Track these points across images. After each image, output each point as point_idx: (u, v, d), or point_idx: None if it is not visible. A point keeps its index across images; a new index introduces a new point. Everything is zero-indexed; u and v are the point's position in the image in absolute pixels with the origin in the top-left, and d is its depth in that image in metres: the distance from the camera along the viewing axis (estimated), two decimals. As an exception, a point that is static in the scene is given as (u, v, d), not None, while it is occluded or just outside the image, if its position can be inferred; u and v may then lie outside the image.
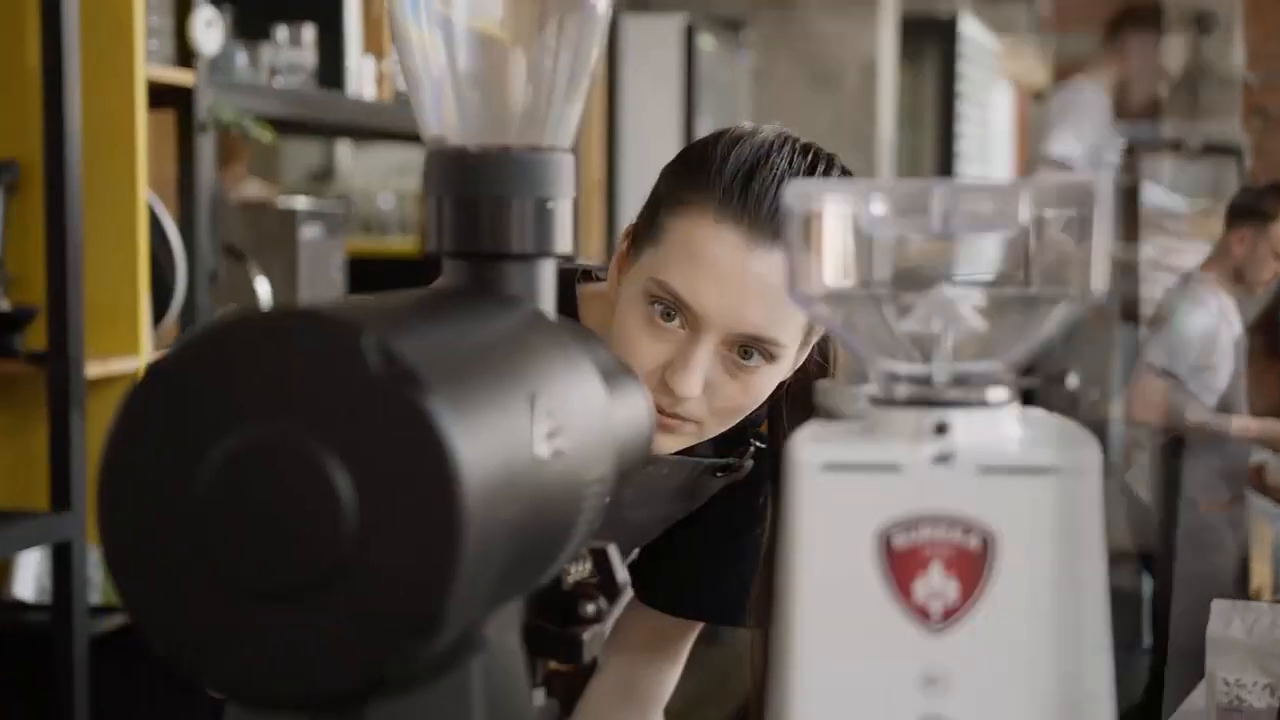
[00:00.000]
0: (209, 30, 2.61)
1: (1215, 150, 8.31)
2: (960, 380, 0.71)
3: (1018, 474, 0.68)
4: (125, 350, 2.47)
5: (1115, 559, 4.05)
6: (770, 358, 1.25)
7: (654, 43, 5.08)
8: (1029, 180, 0.71)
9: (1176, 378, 4.12)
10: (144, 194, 2.48)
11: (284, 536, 0.61)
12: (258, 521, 0.62)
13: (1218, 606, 2.02)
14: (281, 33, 2.99)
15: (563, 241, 0.83)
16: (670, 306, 1.24)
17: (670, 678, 1.50)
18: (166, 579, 0.63)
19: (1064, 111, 4.29)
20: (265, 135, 2.73)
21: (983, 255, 0.78)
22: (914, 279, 0.74)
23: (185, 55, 2.64)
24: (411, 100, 0.85)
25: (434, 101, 0.84)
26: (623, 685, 1.37)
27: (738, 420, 1.29)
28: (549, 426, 0.70)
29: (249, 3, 2.96)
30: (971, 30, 7.51)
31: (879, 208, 0.72)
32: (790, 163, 1.26)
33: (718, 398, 1.26)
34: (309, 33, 2.99)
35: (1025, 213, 0.70)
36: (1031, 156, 4.39)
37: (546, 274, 0.83)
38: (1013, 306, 0.72)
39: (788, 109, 5.32)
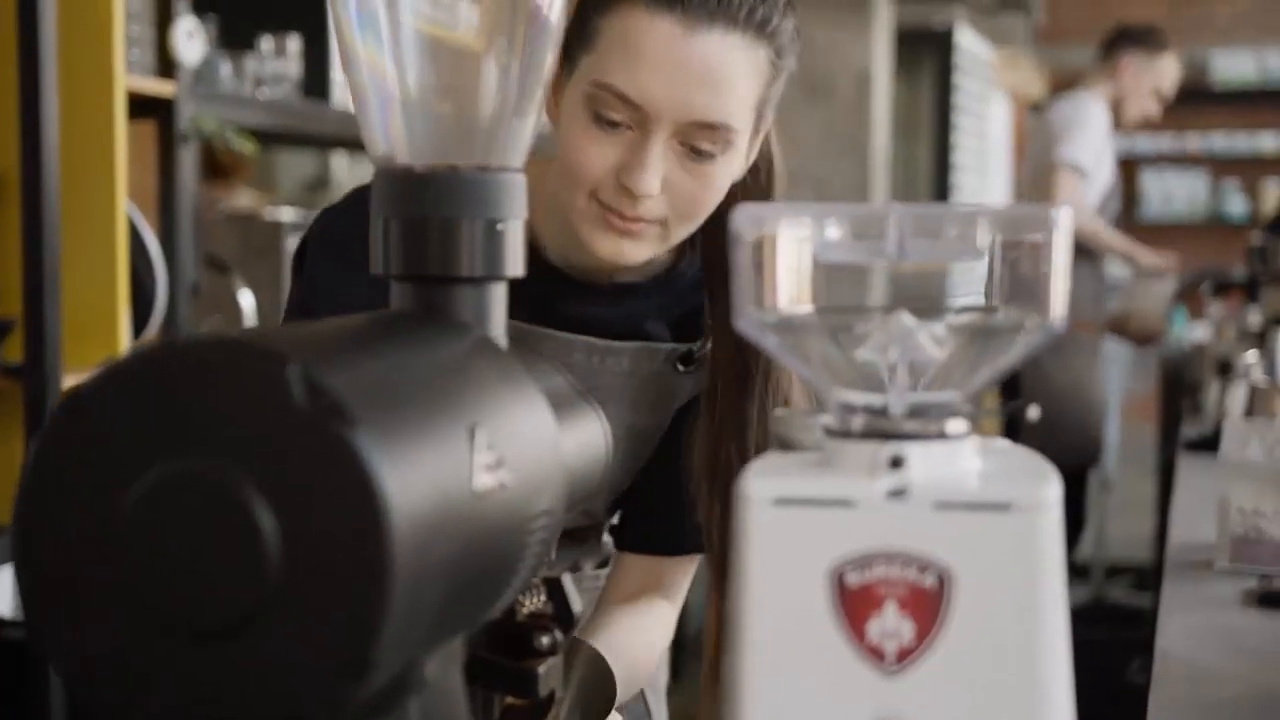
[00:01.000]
0: (190, 41, 2.59)
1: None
2: (917, 411, 0.69)
3: (975, 510, 0.65)
4: (103, 363, 2.45)
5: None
6: (724, 145, 1.22)
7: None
8: (987, 207, 0.68)
9: (1084, 174, 4.30)
10: (124, 205, 2.45)
11: (206, 573, 0.59)
12: (179, 557, 0.59)
13: (1231, 425, 1.92)
14: (266, 43, 2.97)
15: (514, 264, 0.81)
16: (614, 108, 1.20)
17: (669, 621, 1.43)
18: (85, 613, 0.61)
19: (1072, 120, 4.33)
20: (247, 146, 2.70)
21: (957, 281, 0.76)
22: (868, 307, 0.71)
23: (167, 66, 2.62)
24: (359, 118, 0.82)
25: (381, 119, 0.81)
26: (618, 646, 1.31)
27: (699, 220, 1.26)
28: (490, 459, 0.68)
29: (234, 13, 2.94)
30: (968, 41, 7.49)
31: (833, 232, 0.69)
32: None
33: (677, 195, 1.23)
34: (294, 43, 2.97)
35: (983, 240, 0.68)
36: (1036, 164, 4.38)
37: (497, 297, 0.81)
38: (972, 336, 0.69)
39: (782, 119, 5.29)
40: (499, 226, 0.80)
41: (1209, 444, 2.79)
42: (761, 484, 0.67)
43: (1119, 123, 4.50)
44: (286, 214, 3.13)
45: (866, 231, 0.69)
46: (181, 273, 2.66)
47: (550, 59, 0.81)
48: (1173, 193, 10.15)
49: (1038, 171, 4.40)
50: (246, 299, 2.88)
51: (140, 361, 0.60)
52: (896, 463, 0.67)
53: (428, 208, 0.79)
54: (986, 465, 0.69)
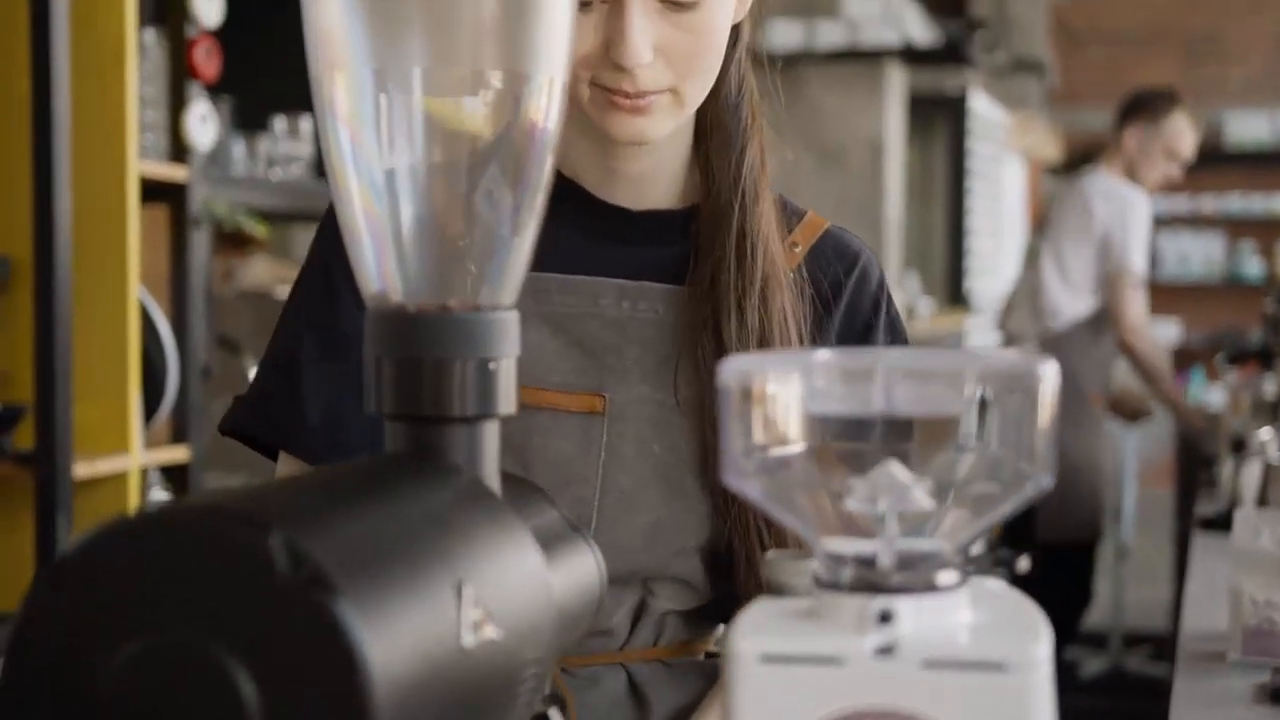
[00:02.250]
0: (204, 125, 2.61)
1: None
2: (906, 563, 0.69)
3: (965, 669, 0.65)
4: (115, 449, 2.45)
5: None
6: None
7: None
8: (974, 359, 0.68)
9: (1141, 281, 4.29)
10: (135, 291, 2.46)
11: (189, 744, 0.59)
12: (162, 727, 0.59)
13: (1242, 515, 1.89)
14: (279, 124, 2.99)
15: (506, 402, 0.81)
16: None
17: None
18: (68, 784, 0.60)
19: (1127, 222, 4.32)
20: (259, 230, 2.72)
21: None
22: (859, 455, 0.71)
23: (180, 150, 2.63)
24: (350, 256, 0.82)
25: (374, 257, 0.81)
26: None
27: (709, 76, 1.17)
28: (478, 614, 0.67)
29: (248, 94, 2.96)
30: (981, 106, 7.51)
31: (820, 383, 0.69)
32: None
33: (673, 55, 1.15)
34: (307, 123, 2.99)
35: (969, 393, 0.67)
36: (1099, 269, 4.37)
37: (489, 436, 0.81)
38: (962, 488, 0.69)
39: (795, 187, 5.30)
40: (491, 365, 0.80)
41: (1224, 522, 2.77)
42: (749, 641, 0.66)
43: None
44: (299, 292, 3.13)
45: (853, 382, 0.69)
46: (193, 356, 2.67)
47: (540, 199, 0.82)
48: (1188, 254, 10.15)
49: (1095, 266, 4.36)
50: (258, 379, 2.88)
51: (121, 531, 0.60)
52: (885, 617, 0.67)
53: (420, 348, 0.79)
54: (978, 617, 0.69)
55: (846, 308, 1.28)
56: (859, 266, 1.29)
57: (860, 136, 5.42)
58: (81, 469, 2.38)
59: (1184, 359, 10.09)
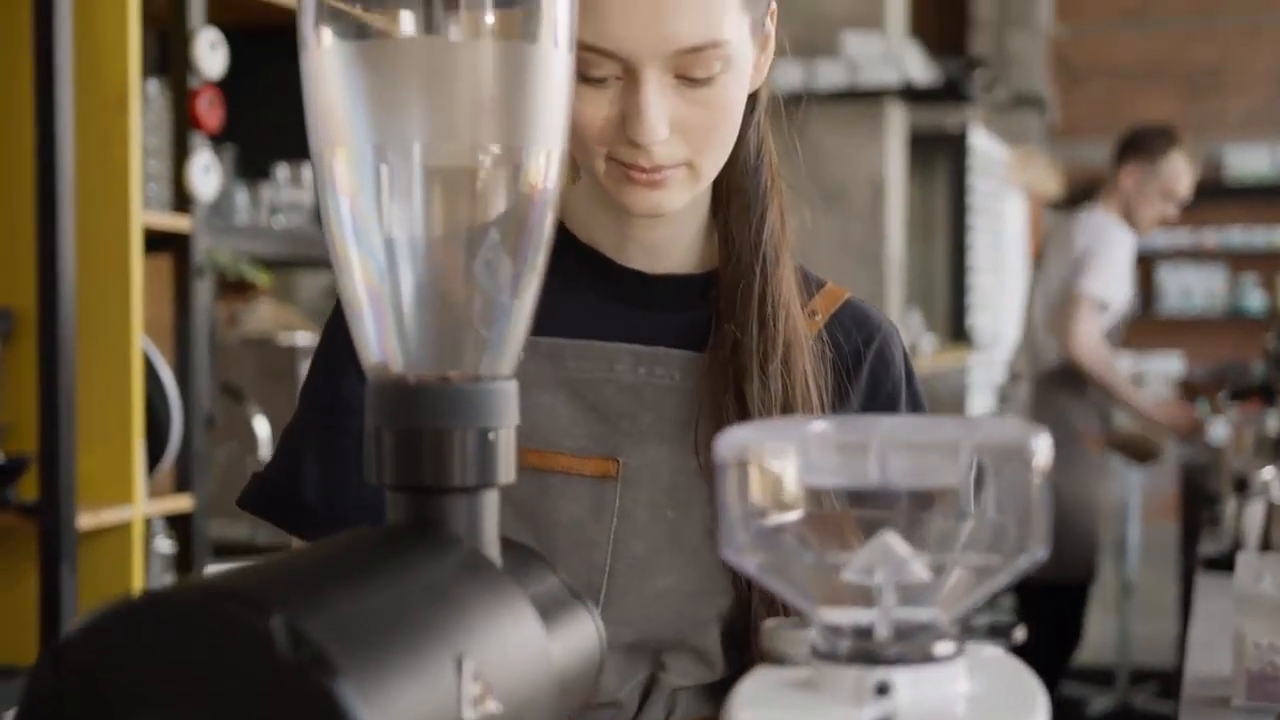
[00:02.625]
0: (206, 175, 2.62)
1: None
2: (903, 633, 0.69)
3: (961, 741, 0.65)
4: (119, 500, 2.46)
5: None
6: (721, 63, 1.12)
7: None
8: (969, 431, 0.69)
9: (1107, 309, 4.28)
10: (139, 341, 2.47)
11: (191, 825, 0.59)
12: (164, 808, 0.59)
13: (1244, 559, 1.89)
14: (282, 171, 3.00)
15: (506, 472, 0.82)
16: (593, 64, 1.11)
17: None
18: None
19: (1096, 248, 4.33)
20: (261, 278, 2.73)
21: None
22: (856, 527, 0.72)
23: (183, 200, 2.65)
24: (351, 327, 0.83)
25: (374, 328, 0.82)
26: None
27: (725, 148, 1.16)
28: (478, 688, 0.68)
29: (251, 143, 2.98)
30: (981, 142, 7.54)
31: (816, 455, 0.70)
32: None
33: (689, 130, 1.14)
34: (309, 171, 3.01)
35: (964, 465, 0.68)
36: (1060, 283, 4.40)
37: (489, 505, 0.81)
38: (958, 560, 0.70)
39: (796, 226, 5.32)
40: (491, 435, 0.80)
41: (1228, 562, 2.77)
42: (748, 712, 0.67)
43: (1135, 228, 4.52)
44: (302, 338, 3.15)
45: (849, 455, 0.69)
46: (196, 404, 2.67)
47: (539, 269, 0.82)
48: (1191, 287, 10.17)
49: (1059, 294, 4.40)
50: (261, 426, 2.90)
51: (123, 613, 0.61)
52: (883, 689, 0.67)
53: (420, 419, 0.79)
54: (975, 687, 0.69)
55: (868, 380, 1.26)
56: (879, 338, 1.28)
57: (861, 176, 5.44)
58: (85, 520, 2.38)
59: (1187, 392, 10.10)
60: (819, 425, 0.72)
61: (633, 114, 1.12)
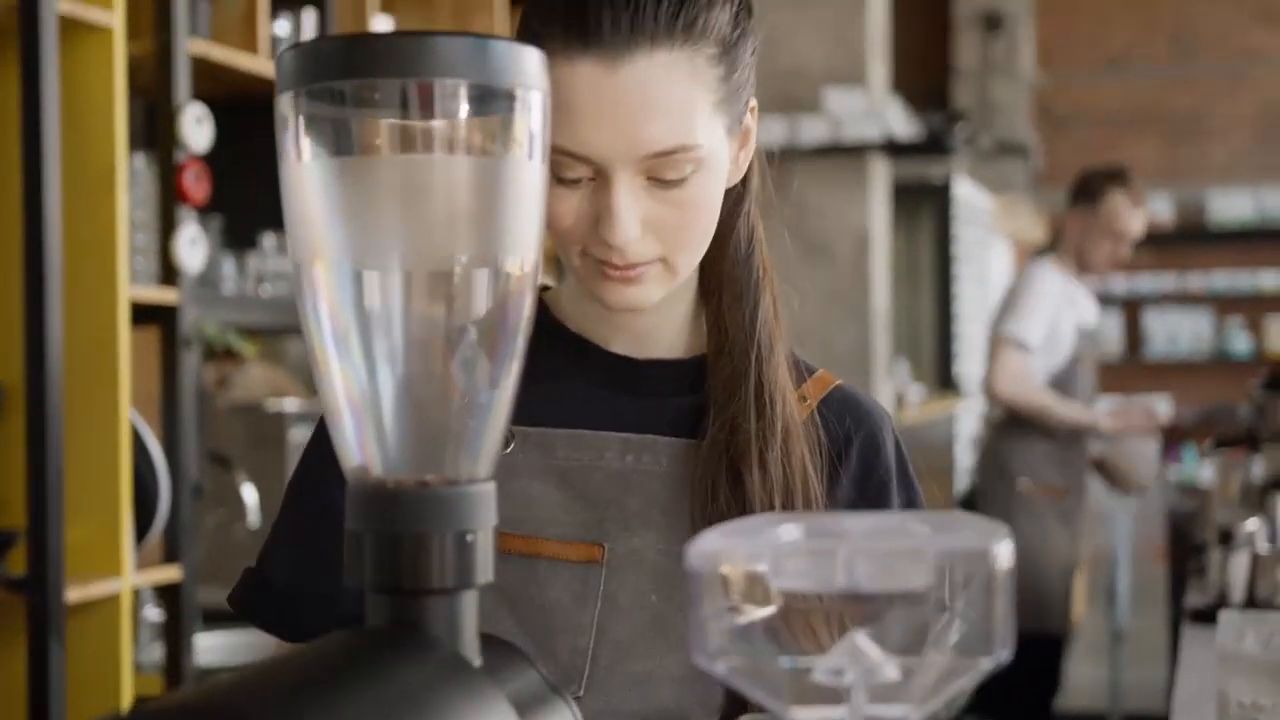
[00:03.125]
0: (193, 248, 2.65)
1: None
2: (874, 734, 0.71)
3: (929, 844, 0.67)
4: (107, 572, 2.47)
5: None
6: (693, 165, 1.13)
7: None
8: (933, 539, 0.71)
9: (1029, 350, 4.25)
10: (126, 414, 2.49)
11: None
12: None
13: (1226, 618, 1.89)
14: (268, 240, 3.03)
15: (484, 572, 0.83)
16: (567, 166, 1.13)
17: None
18: None
19: (1021, 291, 4.37)
20: (248, 350, 2.75)
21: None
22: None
23: (170, 272, 2.67)
24: (331, 431, 0.85)
25: (354, 434, 0.84)
26: None
27: (700, 245, 1.17)
28: (457, 795, 0.69)
29: (237, 212, 3.00)
30: (965, 191, 7.59)
31: (786, 561, 0.71)
32: None
33: (663, 229, 1.14)
34: (295, 240, 3.03)
35: (928, 573, 0.70)
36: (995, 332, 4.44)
37: (468, 606, 0.83)
38: (926, 660, 0.71)
39: (783, 279, 5.35)
40: (469, 538, 0.82)
41: (1213, 614, 2.78)
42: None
43: (1087, 270, 4.50)
44: (290, 404, 3.17)
45: (817, 563, 0.71)
46: (184, 475, 2.68)
47: (514, 372, 0.84)
48: (1177, 331, 10.22)
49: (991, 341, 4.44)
50: (249, 494, 2.91)
51: (111, 733, 0.62)
52: (854, 790, 0.69)
53: (399, 523, 0.81)
54: (944, 786, 0.71)
55: (858, 465, 1.27)
56: (869, 424, 1.28)
57: (846, 229, 5.48)
58: (74, 593, 2.39)
59: (1174, 436, 10.13)
60: (789, 531, 0.74)
61: (605, 215, 1.13)
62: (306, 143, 0.81)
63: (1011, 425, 4.36)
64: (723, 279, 1.25)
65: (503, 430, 0.85)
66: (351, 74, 0.80)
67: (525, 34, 1.15)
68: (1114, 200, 4.36)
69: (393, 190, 0.82)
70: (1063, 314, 4.36)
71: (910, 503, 1.28)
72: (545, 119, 0.84)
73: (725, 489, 1.20)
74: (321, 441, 1.28)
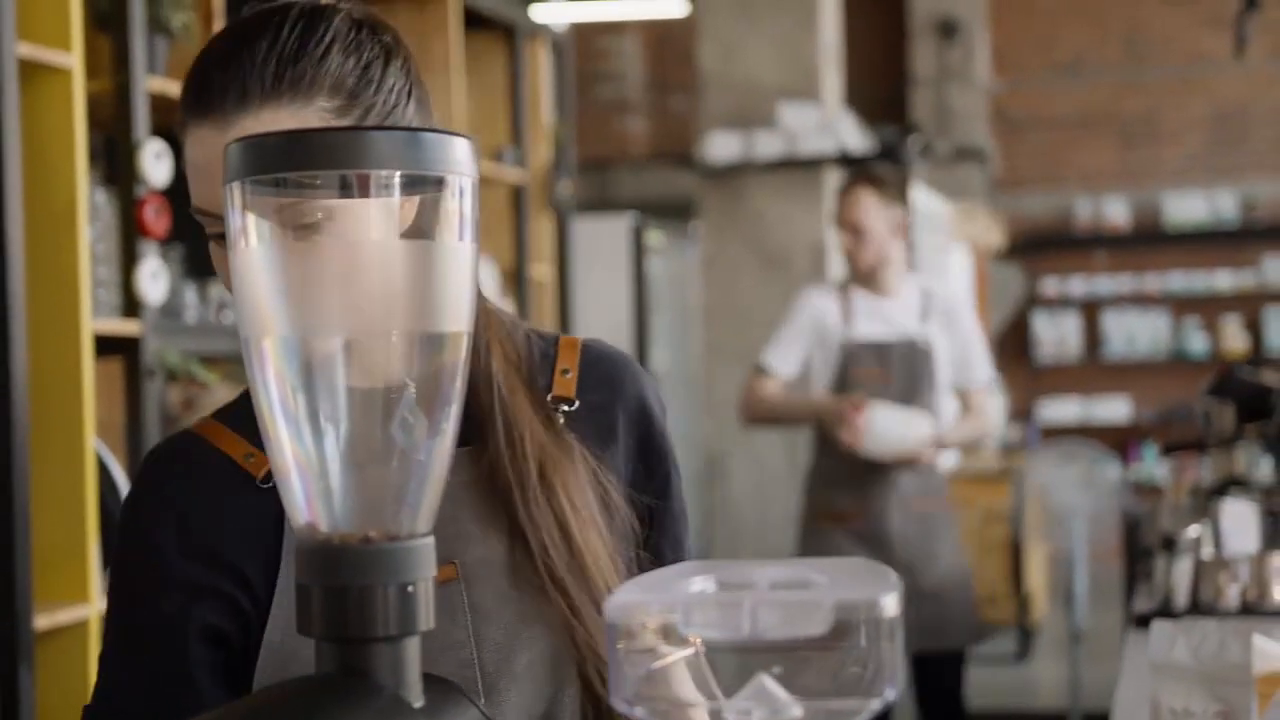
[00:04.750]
0: (154, 281, 2.70)
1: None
2: (778, 769, 0.78)
3: None
4: (74, 599, 2.52)
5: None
6: (325, 213, 1.11)
7: (604, 240, 5.23)
8: (831, 592, 0.78)
9: (766, 372, 4.03)
10: (91, 443, 2.54)
11: None
12: None
13: (1159, 627, 1.95)
14: (229, 268, 3.09)
15: (425, 619, 0.90)
16: (211, 224, 1.20)
17: None
18: None
19: (784, 321, 4.20)
20: (210, 379, 2.81)
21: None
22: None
23: (132, 305, 2.72)
24: (280, 491, 0.91)
25: (301, 494, 0.90)
26: None
27: None
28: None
29: (198, 241, 3.04)
30: (922, 200, 7.67)
31: (695, 615, 0.78)
32: (246, 27, 1.21)
33: None
34: (256, 267, 3.09)
35: (825, 623, 0.77)
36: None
37: (411, 651, 0.90)
38: (824, 699, 0.78)
39: (740, 292, 5.44)
40: (410, 588, 0.89)
41: (1158, 618, 2.84)
42: None
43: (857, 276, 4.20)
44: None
45: (724, 613, 0.78)
46: (149, 501, 2.74)
47: (449, 437, 0.91)
48: (1134, 332, 10.34)
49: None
50: (214, 518, 2.95)
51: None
52: (759, 821, 0.76)
53: (345, 577, 0.88)
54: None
55: (630, 426, 1.33)
56: (631, 383, 1.34)
57: (802, 241, 5.56)
58: (42, 620, 2.44)
59: (1133, 435, 10.27)
60: (698, 584, 0.81)
61: None
62: (252, 228, 0.87)
63: (812, 457, 4.21)
64: None
65: (441, 486, 0.92)
66: (293, 166, 0.87)
67: (176, 116, 1.24)
68: (841, 191, 4.14)
69: (334, 270, 0.88)
70: (825, 336, 4.13)
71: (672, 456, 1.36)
72: (474, 202, 0.91)
73: (508, 525, 1.26)
74: (141, 552, 1.26)
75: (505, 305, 4.35)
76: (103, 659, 1.28)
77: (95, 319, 2.60)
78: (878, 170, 4.18)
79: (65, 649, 2.51)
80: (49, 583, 2.50)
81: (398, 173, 0.87)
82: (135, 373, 2.71)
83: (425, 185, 0.89)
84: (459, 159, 0.89)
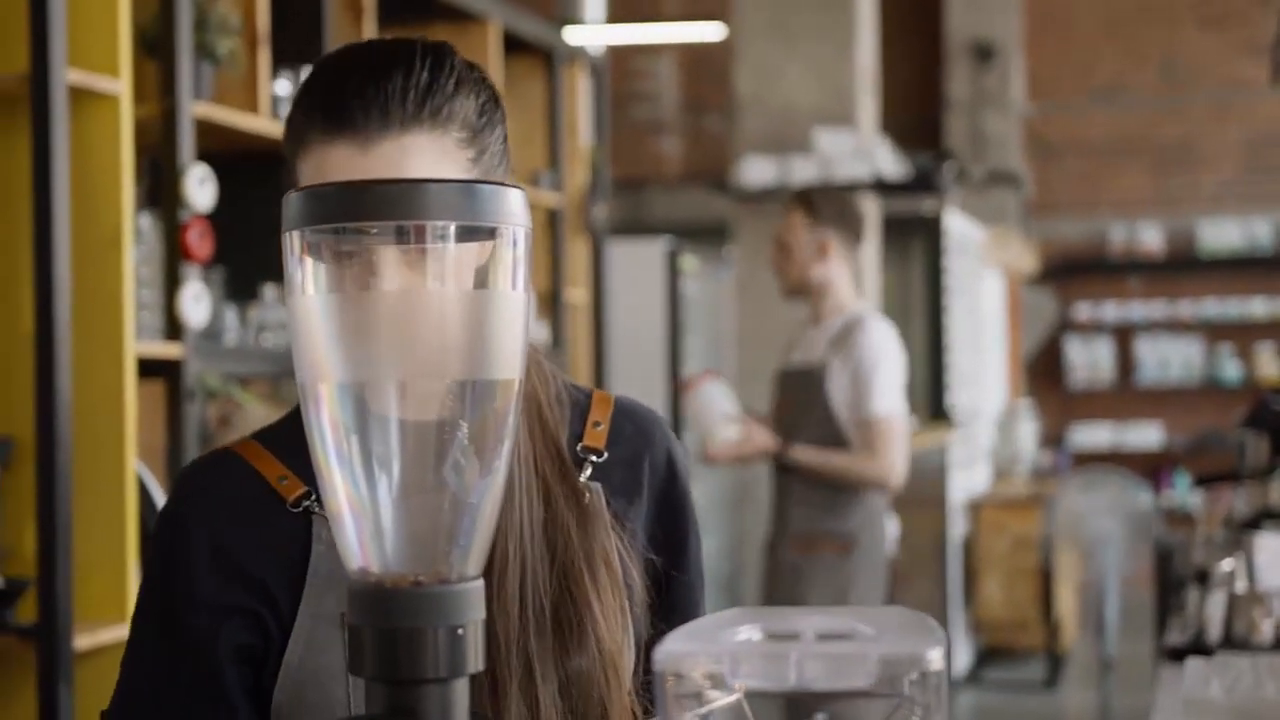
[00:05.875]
0: (197, 304, 2.73)
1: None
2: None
3: None
4: (114, 619, 2.55)
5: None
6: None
7: (639, 264, 5.24)
8: (876, 645, 0.80)
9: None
10: (133, 465, 2.57)
11: None
12: None
13: (1193, 665, 1.95)
14: (270, 292, 3.12)
15: (475, 661, 0.92)
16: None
17: None
18: None
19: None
20: (249, 400, 2.83)
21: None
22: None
23: (174, 328, 2.75)
24: (334, 533, 0.93)
25: (355, 538, 0.92)
26: None
27: None
28: None
29: (240, 264, 3.09)
30: (956, 224, 7.68)
31: (742, 666, 0.80)
32: (376, 53, 1.23)
33: None
34: (296, 290, 3.12)
35: (870, 676, 0.78)
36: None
37: (460, 692, 0.91)
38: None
39: (772, 318, 5.45)
40: (460, 631, 0.90)
41: (1191, 652, 2.84)
42: None
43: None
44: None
45: (772, 664, 0.80)
46: (188, 522, 2.76)
47: (499, 484, 0.93)
48: (1168, 358, 10.30)
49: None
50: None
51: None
52: None
53: (396, 619, 0.90)
54: None
55: (654, 480, 1.35)
56: (657, 438, 1.36)
57: (835, 266, 5.56)
58: (82, 640, 2.47)
59: (1165, 462, 10.23)
60: (744, 633, 0.83)
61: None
62: (310, 277, 0.89)
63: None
64: None
65: (491, 530, 0.94)
66: (352, 217, 0.89)
67: (292, 127, 1.25)
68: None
69: (390, 319, 0.90)
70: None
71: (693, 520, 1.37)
72: (528, 251, 0.92)
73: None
74: (169, 567, 1.28)
75: (540, 330, 4.36)
76: (126, 664, 1.29)
77: (138, 342, 2.63)
78: (815, 194, 4.13)
79: (105, 669, 2.54)
80: (89, 602, 2.53)
81: (453, 224, 0.89)
82: (176, 395, 2.74)
83: (480, 235, 0.90)
84: (513, 210, 0.91)
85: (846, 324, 4.00)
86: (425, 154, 1.21)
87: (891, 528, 4.16)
